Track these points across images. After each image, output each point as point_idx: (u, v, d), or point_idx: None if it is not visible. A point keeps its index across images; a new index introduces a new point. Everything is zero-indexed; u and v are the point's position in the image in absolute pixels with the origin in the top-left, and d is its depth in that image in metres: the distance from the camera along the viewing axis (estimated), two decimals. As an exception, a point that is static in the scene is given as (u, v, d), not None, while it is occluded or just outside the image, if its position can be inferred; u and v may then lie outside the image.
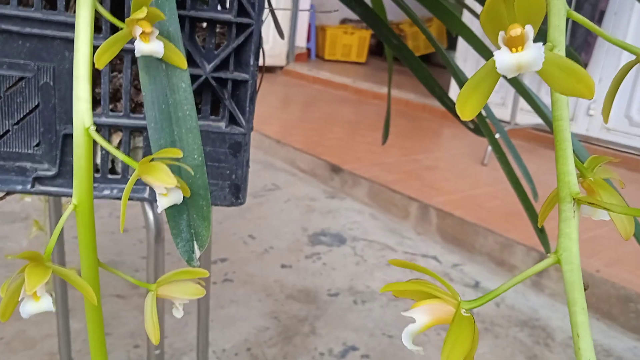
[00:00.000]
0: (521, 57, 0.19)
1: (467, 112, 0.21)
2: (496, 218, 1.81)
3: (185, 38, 0.38)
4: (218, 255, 1.63)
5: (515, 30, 0.19)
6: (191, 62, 0.39)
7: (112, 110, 0.40)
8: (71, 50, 0.38)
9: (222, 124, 0.41)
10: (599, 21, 2.48)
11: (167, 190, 0.24)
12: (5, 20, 0.37)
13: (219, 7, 0.40)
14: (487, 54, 0.61)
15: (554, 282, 1.55)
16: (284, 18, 4.54)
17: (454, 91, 3.41)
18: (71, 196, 0.29)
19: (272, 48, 4.52)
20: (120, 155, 0.25)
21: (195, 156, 0.26)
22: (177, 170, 0.26)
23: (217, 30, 0.45)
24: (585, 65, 2.54)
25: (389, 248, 1.78)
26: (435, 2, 0.55)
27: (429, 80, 0.74)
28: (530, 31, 0.19)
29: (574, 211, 0.22)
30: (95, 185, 0.42)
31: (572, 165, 0.22)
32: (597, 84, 2.66)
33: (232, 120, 0.41)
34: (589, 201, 0.22)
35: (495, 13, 0.19)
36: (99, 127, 0.41)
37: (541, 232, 0.47)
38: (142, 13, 0.24)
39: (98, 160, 0.42)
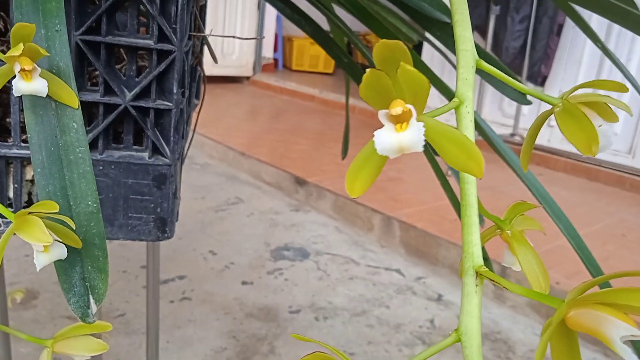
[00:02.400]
0: (401, 138, 0.18)
1: (356, 190, 0.20)
2: (459, 230, 1.82)
3: (102, 65, 0.36)
4: (176, 272, 1.59)
5: (396, 110, 0.17)
6: (109, 90, 0.37)
7: (24, 141, 0.38)
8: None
9: (146, 155, 0.39)
10: (557, 34, 2.53)
11: (46, 247, 0.21)
12: None
13: (142, 33, 0.38)
14: (436, 81, 0.60)
15: (515, 294, 1.56)
16: (250, 28, 4.51)
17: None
18: None
19: (239, 58, 4.49)
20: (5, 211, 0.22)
21: (89, 202, 0.24)
22: (69, 219, 0.24)
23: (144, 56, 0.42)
24: (544, 78, 2.59)
25: (353, 262, 1.76)
26: (377, 23, 0.53)
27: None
28: (412, 110, 0.17)
29: (477, 285, 0.20)
30: (9, 221, 0.39)
31: (477, 234, 0.20)
32: (556, 95, 2.71)
33: (156, 151, 0.39)
34: (491, 278, 0.20)
35: (376, 86, 0.18)
36: (10, 159, 0.38)
37: (486, 261, 0.46)
38: (18, 50, 0.21)
39: (11, 194, 0.39)
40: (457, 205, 0.48)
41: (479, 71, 0.44)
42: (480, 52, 0.48)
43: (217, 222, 1.98)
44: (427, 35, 0.64)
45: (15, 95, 0.22)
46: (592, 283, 0.18)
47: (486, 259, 0.49)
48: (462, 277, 0.20)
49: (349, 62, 0.73)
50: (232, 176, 2.52)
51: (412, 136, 0.17)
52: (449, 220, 1.91)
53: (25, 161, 0.38)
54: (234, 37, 0.44)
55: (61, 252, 0.22)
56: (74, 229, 0.22)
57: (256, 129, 3.14)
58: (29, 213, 0.21)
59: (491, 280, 0.20)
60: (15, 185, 0.38)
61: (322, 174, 2.34)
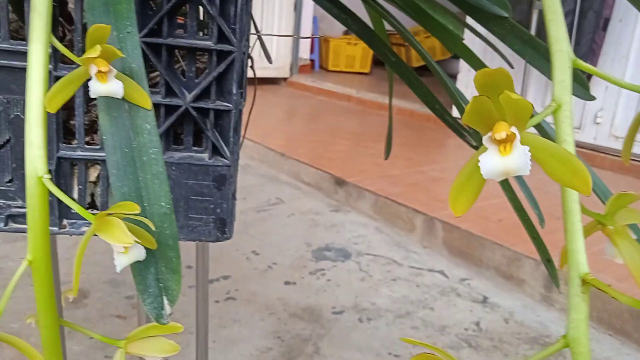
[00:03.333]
0: (507, 163, 0.17)
1: (459, 209, 0.20)
2: (504, 231, 1.78)
3: (163, 67, 0.36)
4: (221, 272, 1.61)
5: (500, 134, 0.17)
6: (170, 91, 0.37)
7: (88, 143, 0.38)
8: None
9: (206, 156, 0.39)
10: (603, 29, 2.45)
11: (127, 248, 0.21)
12: (-30, 52, 0.35)
13: (200, 34, 0.38)
14: (477, 64, 0.58)
15: (564, 296, 1.51)
16: (287, 29, 4.54)
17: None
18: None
19: (276, 60, 4.52)
20: (75, 207, 0.22)
21: (163, 203, 0.24)
22: (143, 221, 0.24)
23: (202, 57, 0.43)
24: (590, 75, 2.51)
25: (395, 263, 1.75)
26: (431, 20, 0.52)
27: (429, 97, 0.72)
28: (516, 133, 0.17)
29: (583, 293, 0.19)
30: (73, 221, 0.40)
31: (581, 242, 0.19)
32: (603, 92, 2.62)
33: (216, 152, 0.39)
34: (598, 286, 0.19)
35: (481, 110, 0.17)
36: (75, 161, 0.38)
37: (549, 262, 0.44)
38: (96, 52, 0.21)
39: (75, 195, 0.40)
40: (515, 203, 0.47)
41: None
42: (541, 46, 0.46)
43: (259, 222, 1.99)
44: (471, 26, 0.63)
45: (92, 96, 0.23)
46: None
47: (549, 260, 0.47)
48: (568, 286, 0.19)
49: (397, 61, 0.72)
50: (273, 177, 2.54)
51: (518, 160, 0.17)
52: (493, 221, 1.87)
53: (89, 163, 0.39)
54: (286, 35, 0.43)
55: (140, 253, 0.22)
56: (154, 230, 0.22)
57: (295, 130, 3.15)
58: (109, 214, 0.21)
59: (599, 288, 0.19)
60: (80, 187, 0.39)
61: (361, 174, 2.33)
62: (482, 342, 1.35)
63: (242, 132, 0.69)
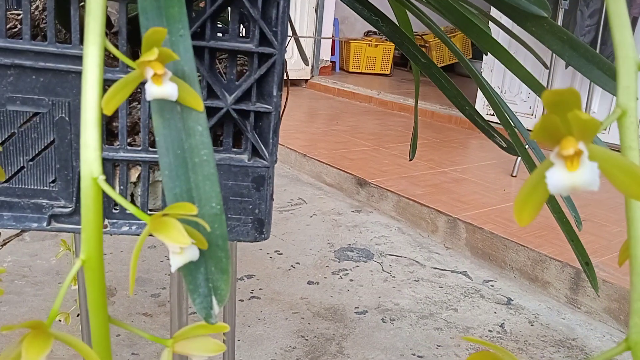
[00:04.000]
0: (575, 178, 0.17)
1: (524, 220, 0.20)
2: (528, 232, 1.76)
3: (205, 70, 0.37)
4: (245, 271, 1.62)
5: (568, 151, 0.17)
6: (212, 93, 0.38)
7: (130, 144, 0.39)
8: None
9: (245, 157, 0.39)
10: (631, 28, 2.40)
11: (182, 249, 0.22)
12: (18, 55, 0.35)
13: (242, 36, 0.38)
14: (514, 65, 0.58)
15: (591, 299, 1.49)
16: (308, 31, 4.55)
17: (480, 103, 3.35)
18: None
19: (297, 62, 4.53)
20: (131, 208, 0.23)
21: (213, 204, 0.24)
22: (193, 221, 0.24)
23: (241, 59, 0.43)
24: (618, 73, 2.46)
25: (418, 263, 1.74)
26: (465, 20, 0.52)
27: (460, 99, 0.72)
28: (584, 149, 0.17)
29: None
30: (114, 221, 0.40)
31: None
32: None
33: (255, 153, 0.39)
34: None
35: (549, 127, 0.17)
36: (117, 162, 0.39)
37: (587, 265, 0.44)
38: (153, 54, 0.22)
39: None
40: (554, 205, 0.46)
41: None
42: (578, 43, 0.46)
43: (282, 222, 2.00)
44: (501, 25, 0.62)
45: (148, 99, 0.23)
46: None
47: (587, 263, 0.47)
48: (631, 287, 0.19)
49: (427, 62, 0.71)
50: (295, 177, 2.54)
51: (586, 176, 0.17)
52: (517, 222, 1.85)
53: (130, 164, 0.39)
54: (323, 37, 0.44)
55: (194, 253, 0.22)
56: (208, 230, 0.22)
57: (316, 131, 3.15)
58: (164, 215, 0.22)
59: None
60: (121, 187, 0.40)
61: (383, 175, 2.32)
62: (507, 344, 1.34)
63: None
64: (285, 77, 0.69)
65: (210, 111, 0.38)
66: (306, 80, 4.69)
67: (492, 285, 1.63)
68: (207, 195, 0.24)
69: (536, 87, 0.50)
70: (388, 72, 5.32)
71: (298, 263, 1.69)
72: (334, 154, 2.63)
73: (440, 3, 0.53)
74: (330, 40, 5.00)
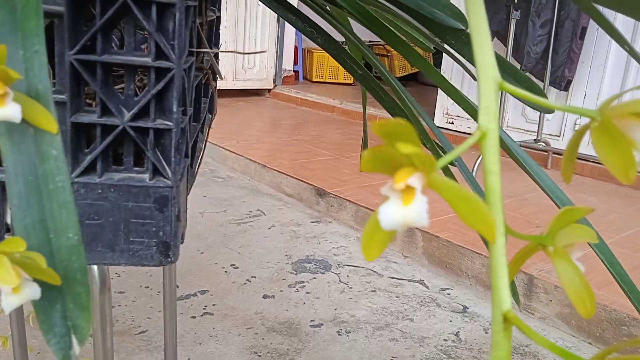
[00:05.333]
0: (405, 213, 0.17)
1: (371, 255, 0.19)
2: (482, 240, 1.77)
3: (98, 85, 0.35)
4: (198, 287, 1.58)
5: (399, 185, 0.16)
6: (106, 110, 0.35)
7: (21, 165, 0.36)
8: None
9: (146, 176, 0.37)
10: (581, 37, 2.47)
11: (15, 288, 0.20)
12: None
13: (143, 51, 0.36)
14: (437, 78, 0.58)
15: (544, 304, 1.51)
16: (270, 40, 4.53)
17: (439, 112, 3.39)
18: None
19: (259, 71, 4.51)
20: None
21: (71, 235, 0.22)
22: (47, 253, 0.22)
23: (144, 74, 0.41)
24: (568, 83, 2.53)
25: (375, 273, 1.73)
26: (387, 32, 0.51)
27: (397, 110, 0.71)
28: (416, 183, 0.16)
29: (505, 331, 0.18)
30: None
31: (504, 279, 0.18)
32: (582, 99, 2.64)
33: (157, 172, 0.37)
34: (519, 325, 0.18)
35: (382, 158, 0.17)
36: (8, 184, 0.37)
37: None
38: (-15, 75, 0.20)
39: (9, 220, 0.38)
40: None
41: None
42: (500, 60, 0.45)
43: (239, 235, 1.97)
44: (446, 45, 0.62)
45: (-13, 122, 0.21)
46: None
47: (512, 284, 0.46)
48: (491, 324, 0.18)
49: (363, 74, 0.71)
50: (254, 189, 2.52)
51: (416, 211, 0.17)
52: (473, 230, 1.87)
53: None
54: (236, 52, 0.42)
55: (34, 292, 0.20)
56: (44, 268, 0.20)
57: (277, 141, 3.14)
58: (-1, 250, 0.20)
59: (519, 328, 0.18)
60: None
61: (343, 185, 2.32)
62: (461, 352, 1.34)
63: (204, 145, 0.67)
64: (213, 90, 0.66)
65: (107, 129, 0.36)
66: (269, 90, 4.67)
67: (448, 294, 1.63)
68: (63, 225, 0.22)
69: (459, 100, 0.50)
70: (351, 82, 5.35)
71: (254, 277, 1.66)
72: (294, 164, 2.61)
73: (367, 18, 0.53)
74: (293, 49, 5.00)
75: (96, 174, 0.36)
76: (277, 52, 4.68)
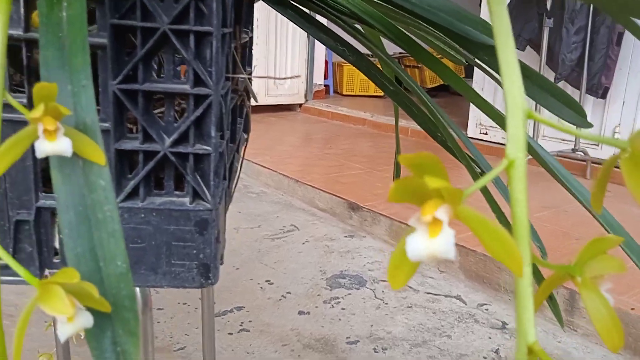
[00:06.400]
0: (432, 246, 0.17)
1: (398, 284, 0.19)
2: (522, 253, 1.74)
3: (140, 113, 0.36)
4: (234, 303, 1.59)
5: (427, 217, 0.17)
6: (148, 137, 0.37)
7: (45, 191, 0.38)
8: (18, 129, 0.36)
9: (187, 200, 0.38)
10: (617, 43, 2.42)
11: (70, 317, 0.20)
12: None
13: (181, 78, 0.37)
14: (484, 105, 0.57)
15: (587, 321, 1.46)
16: (301, 56, 4.58)
17: (472, 123, 3.35)
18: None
19: (290, 87, 4.56)
20: (21, 271, 0.21)
21: (119, 263, 0.23)
22: (97, 281, 0.23)
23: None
24: (605, 90, 2.47)
25: (411, 289, 1.71)
26: (417, 48, 0.51)
27: (429, 125, 0.71)
28: (444, 217, 0.16)
29: None
30: (54, 271, 0.39)
31: (530, 311, 0.18)
32: (620, 107, 2.58)
33: (197, 196, 0.38)
34: (544, 358, 0.18)
35: (409, 189, 0.17)
36: (55, 210, 0.38)
37: (551, 300, 0.42)
38: (39, 111, 0.21)
39: (57, 244, 0.39)
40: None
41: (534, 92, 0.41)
42: (534, 75, 0.45)
43: (273, 250, 1.98)
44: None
45: (38, 157, 0.22)
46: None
47: (551, 297, 0.45)
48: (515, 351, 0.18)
49: (395, 90, 0.71)
50: (287, 203, 2.53)
51: (443, 244, 0.17)
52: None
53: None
54: (270, 77, 0.43)
55: (87, 321, 0.21)
56: (96, 297, 0.21)
57: (309, 156, 3.15)
58: (51, 282, 0.21)
59: None
60: (61, 236, 0.38)
61: (376, 199, 2.31)
62: (502, 370, 1.31)
63: (240, 164, 0.68)
64: (248, 111, 0.68)
65: (148, 155, 0.37)
66: (300, 105, 4.71)
67: (486, 309, 1.60)
68: (112, 254, 0.23)
69: (493, 115, 0.50)
70: (382, 94, 5.34)
71: (289, 292, 1.66)
72: (326, 179, 2.62)
73: (397, 36, 0.53)
74: (323, 64, 5.03)
75: (139, 199, 0.37)
76: (307, 67, 4.72)
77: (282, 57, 4.44)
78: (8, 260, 0.22)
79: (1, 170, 0.22)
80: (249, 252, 1.96)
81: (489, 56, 0.45)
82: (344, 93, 5.29)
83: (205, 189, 0.38)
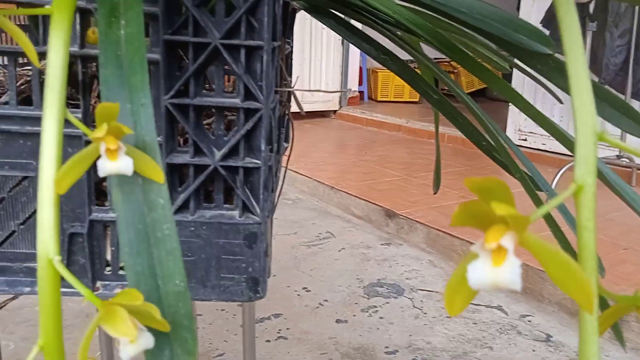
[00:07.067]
0: (497, 276, 0.16)
1: (456, 310, 0.18)
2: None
3: (191, 127, 0.36)
4: (272, 310, 1.59)
5: (490, 245, 0.16)
6: (198, 151, 0.37)
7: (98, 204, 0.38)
8: (74, 147, 0.36)
9: (236, 213, 0.38)
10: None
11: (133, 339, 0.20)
12: (5, 121, 0.35)
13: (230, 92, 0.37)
14: (522, 104, 0.55)
15: (636, 334, 1.41)
16: (335, 62, 4.59)
17: (511, 128, 3.30)
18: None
19: (325, 94, 4.56)
20: (84, 292, 0.22)
21: (177, 282, 0.23)
22: (156, 299, 0.23)
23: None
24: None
25: (450, 298, 1.68)
26: (462, 55, 0.50)
27: (475, 134, 0.69)
28: (509, 244, 0.16)
29: None
30: (106, 283, 0.39)
31: (595, 345, 0.17)
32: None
33: (246, 209, 0.38)
34: None
35: (473, 213, 0.16)
36: (107, 223, 0.38)
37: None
38: (102, 131, 0.21)
39: (109, 257, 0.39)
40: (564, 244, 0.43)
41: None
42: (595, 87, 0.43)
43: (310, 257, 1.98)
44: (517, 62, 0.60)
45: (100, 175, 0.22)
46: None
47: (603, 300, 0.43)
48: None
49: (439, 98, 0.70)
50: (323, 210, 2.53)
51: (509, 274, 0.16)
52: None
53: (107, 224, 0.38)
54: (317, 90, 0.42)
55: (148, 342, 0.21)
56: (158, 318, 0.21)
57: (344, 162, 3.14)
58: (114, 304, 0.21)
59: None
60: (113, 249, 0.39)
61: (412, 206, 2.28)
62: (546, 384, 1.27)
63: (283, 175, 0.68)
64: (291, 121, 0.67)
65: (199, 168, 0.37)
66: (335, 111, 4.71)
67: (529, 321, 1.56)
68: (170, 272, 0.23)
69: (539, 120, 0.48)
70: (417, 99, 5.30)
71: (326, 300, 1.66)
72: (362, 185, 2.61)
73: (440, 42, 0.52)
74: (358, 70, 5.03)
75: (189, 212, 0.37)
76: (342, 74, 4.72)
77: (316, 64, 4.46)
78: (69, 278, 0.22)
79: (64, 188, 0.22)
80: (285, 259, 1.96)
81: (543, 64, 0.43)
82: (379, 99, 5.26)
83: (254, 202, 0.37)
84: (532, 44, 0.42)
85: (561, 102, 0.55)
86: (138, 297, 0.20)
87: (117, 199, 0.23)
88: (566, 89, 0.44)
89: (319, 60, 4.48)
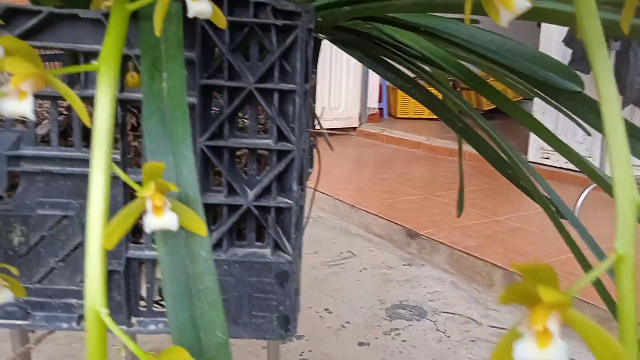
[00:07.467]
0: (543, 357, 0.16)
1: None
2: (591, 288, 1.66)
3: (225, 168, 0.37)
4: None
5: (537, 327, 0.16)
6: (232, 191, 0.37)
7: (154, 241, 0.39)
8: (114, 186, 0.37)
9: (268, 252, 0.38)
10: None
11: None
12: (47, 162, 0.37)
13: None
14: (545, 134, 0.55)
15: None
16: (355, 80, 4.61)
17: (533, 146, 3.27)
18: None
19: (345, 111, 4.59)
20: (133, 346, 0.22)
21: (218, 333, 0.23)
22: (197, 351, 0.23)
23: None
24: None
25: (474, 321, 1.66)
26: (492, 91, 0.51)
27: (500, 162, 0.69)
28: (554, 327, 0.16)
29: None
30: (140, 319, 0.40)
31: None
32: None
33: (278, 247, 0.39)
34: None
35: (518, 295, 0.16)
36: (142, 260, 0.39)
37: None
38: (149, 190, 0.22)
39: (143, 293, 0.40)
40: (586, 268, 0.43)
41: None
42: (628, 125, 0.43)
43: (331, 277, 1.97)
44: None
45: (147, 231, 0.23)
46: None
47: None
48: None
49: (463, 127, 0.70)
50: (344, 229, 2.52)
51: (556, 357, 0.16)
52: (578, 275, 1.75)
53: (156, 261, 0.39)
54: (336, 133, 0.43)
55: (193, 396, 0.21)
56: (214, 354, 0.21)
57: (364, 180, 3.14)
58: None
59: None
60: (148, 285, 0.39)
61: (435, 226, 2.27)
62: (574, 412, 1.24)
63: (311, 201, 0.68)
64: (317, 149, 0.68)
65: (232, 208, 0.37)
66: (354, 128, 4.72)
67: (554, 344, 1.53)
68: (211, 323, 0.24)
69: (561, 149, 0.48)
70: (437, 117, 5.29)
71: (348, 322, 1.65)
72: (382, 204, 2.60)
73: (464, 74, 0.52)
74: (378, 87, 5.04)
75: (222, 250, 0.38)
76: (362, 91, 4.74)
77: (336, 83, 4.48)
78: (118, 332, 0.22)
79: (113, 243, 0.23)
80: (307, 278, 1.96)
81: (571, 101, 0.43)
82: (398, 116, 5.27)
83: (286, 241, 0.38)
84: (561, 82, 0.42)
85: (589, 134, 0.55)
86: (185, 357, 0.20)
87: (161, 252, 0.24)
88: (596, 126, 0.44)
89: (339, 78, 4.51)
